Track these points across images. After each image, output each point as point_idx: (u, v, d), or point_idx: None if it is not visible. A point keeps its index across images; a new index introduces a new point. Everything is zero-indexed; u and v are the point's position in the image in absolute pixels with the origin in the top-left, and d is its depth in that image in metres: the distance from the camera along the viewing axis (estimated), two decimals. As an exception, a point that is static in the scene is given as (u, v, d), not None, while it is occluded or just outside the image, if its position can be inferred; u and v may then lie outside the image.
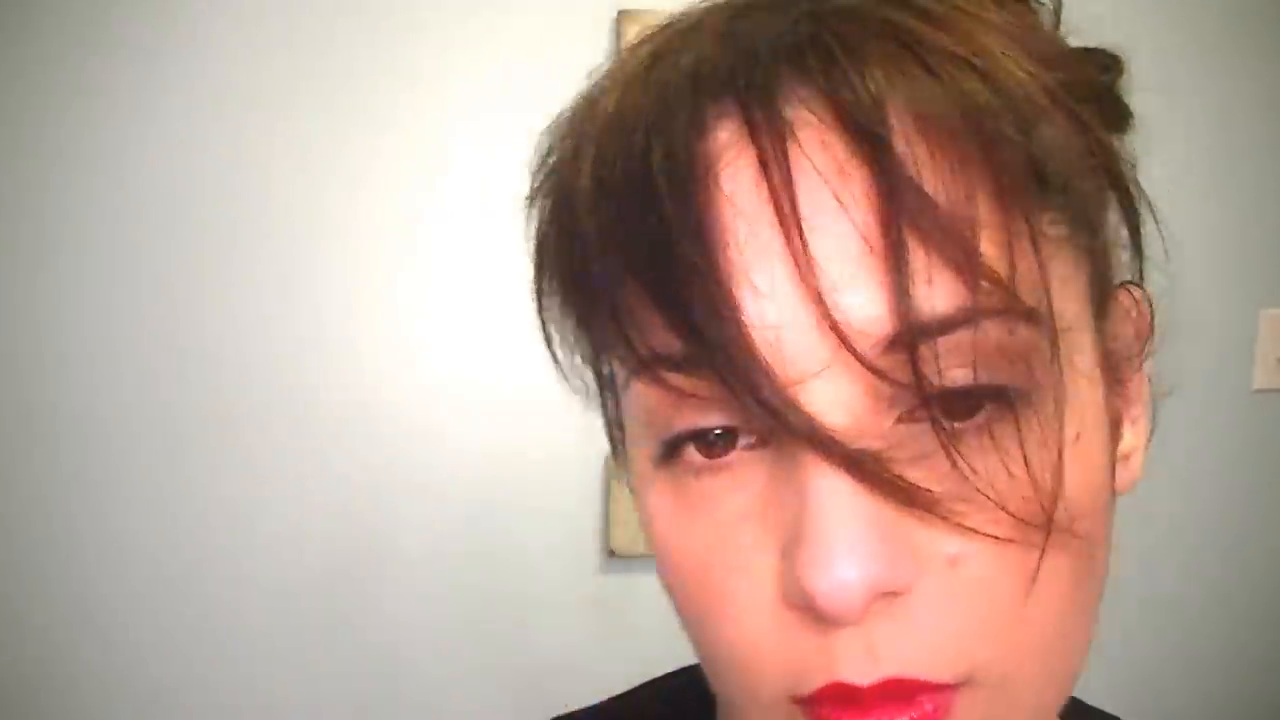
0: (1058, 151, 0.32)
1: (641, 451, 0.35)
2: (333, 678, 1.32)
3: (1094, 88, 0.38)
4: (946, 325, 0.29)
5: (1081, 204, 0.34)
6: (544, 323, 0.37)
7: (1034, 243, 0.31)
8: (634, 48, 0.35)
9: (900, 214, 0.29)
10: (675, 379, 0.31)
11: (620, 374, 0.34)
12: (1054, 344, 0.31)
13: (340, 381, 1.30)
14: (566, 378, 0.39)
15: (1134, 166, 0.38)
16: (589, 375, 0.39)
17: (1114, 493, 0.38)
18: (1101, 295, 0.36)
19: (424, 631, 1.34)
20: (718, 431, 0.32)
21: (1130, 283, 0.41)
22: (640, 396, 0.33)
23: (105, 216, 1.25)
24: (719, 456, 0.32)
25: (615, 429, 0.39)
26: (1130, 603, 1.49)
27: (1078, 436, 0.32)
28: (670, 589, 0.35)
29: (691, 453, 0.33)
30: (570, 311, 0.35)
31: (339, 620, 1.32)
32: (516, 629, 1.36)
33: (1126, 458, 0.41)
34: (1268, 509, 1.53)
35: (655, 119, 0.31)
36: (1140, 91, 1.43)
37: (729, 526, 0.32)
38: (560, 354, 0.38)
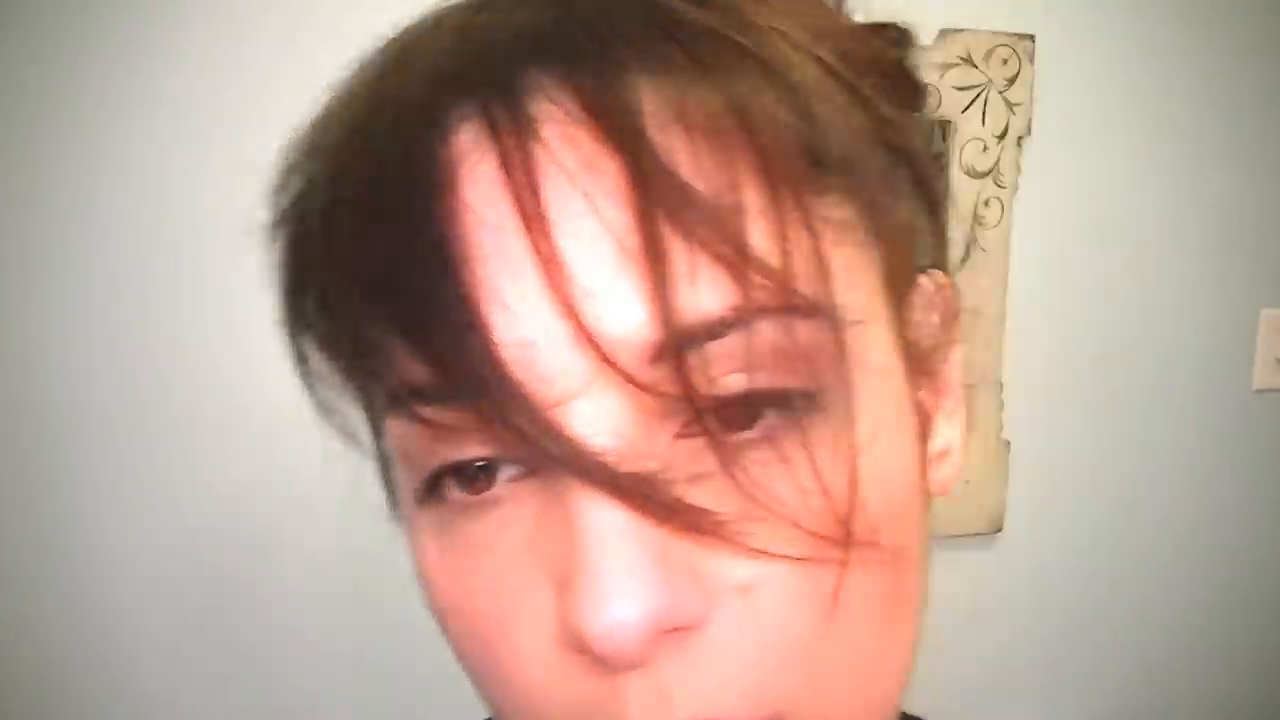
0: (835, 129, 0.29)
1: (406, 492, 0.32)
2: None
3: (880, 62, 0.34)
4: (716, 328, 0.27)
5: (867, 185, 0.31)
6: (298, 359, 0.33)
7: (810, 229, 0.28)
8: (372, 54, 0.32)
9: (656, 207, 0.26)
10: (428, 412, 0.28)
11: (375, 418, 0.32)
12: (838, 340, 0.28)
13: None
14: (328, 420, 0.34)
15: (930, 143, 0.36)
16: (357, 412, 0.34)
17: (927, 496, 0.35)
18: (899, 282, 0.33)
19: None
20: (479, 464, 0.29)
21: (933, 267, 0.37)
22: (396, 433, 0.30)
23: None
24: (482, 491, 0.29)
25: (386, 470, 0.35)
26: (1129, 603, 1.50)
27: (874, 438, 0.30)
28: (448, 640, 0.32)
29: (454, 490, 0.30)
30: (317, 345, 0.32)
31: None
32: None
33: (944, 455, 0.37)
34: (1268, 509, 1.53)
35: (391, 129, 0.28)
36: (1141, 92, 1.42)
37: (501, 568, 0.29)
38: (320, 392, 0.33)
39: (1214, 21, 1.41)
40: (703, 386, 0.27)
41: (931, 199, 0.36)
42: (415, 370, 0.28)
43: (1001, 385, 1.38)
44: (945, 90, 1.30)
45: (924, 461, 0.34)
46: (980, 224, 1.33)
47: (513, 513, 0.29)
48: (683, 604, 0.27)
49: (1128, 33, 1.39)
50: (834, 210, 0.30)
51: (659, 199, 0.26)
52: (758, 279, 0.27)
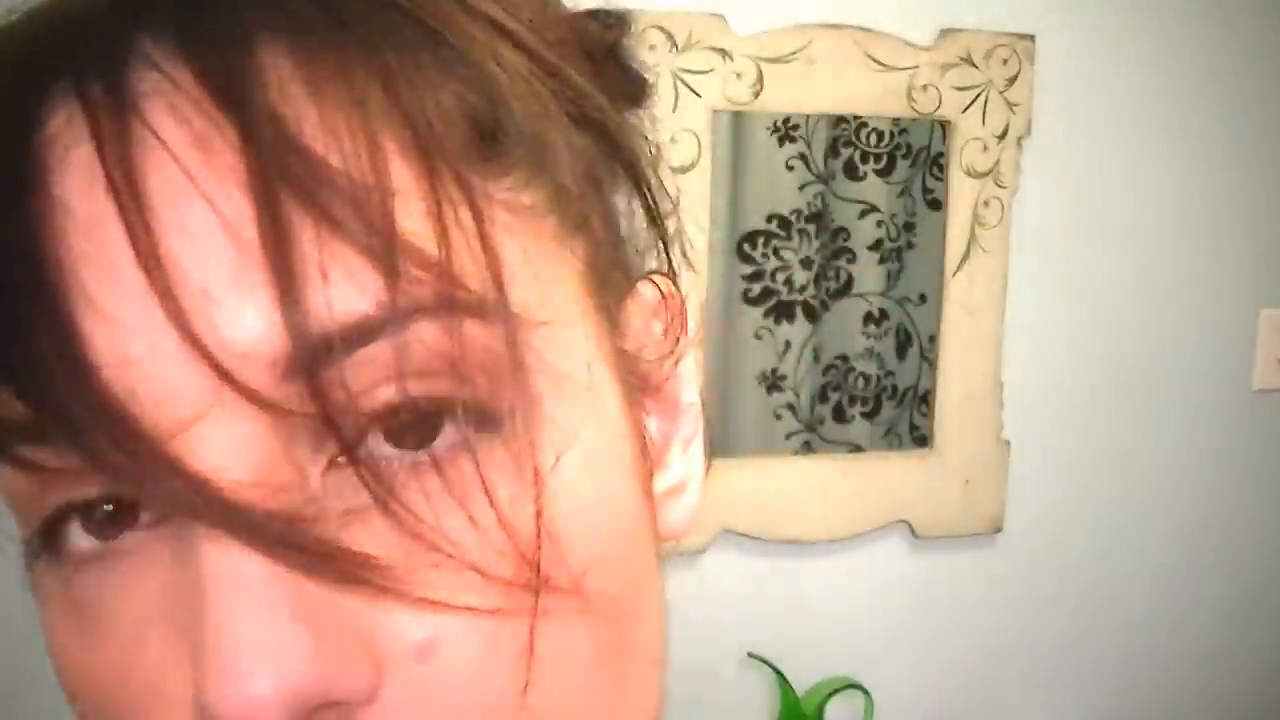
0: (513, 100, 0.26)
1: (28, 552, 0.26)
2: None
3: (584, 44, 0.30)
4: (359, 334, 0.22)
5: (557, 169, 0.27)
6: None
7: (475, 211, 0.24)
8: None
9: (280, 188, 0.22)
10: (27, 452, 0.23)
11: None
12: (515, 342, 0.24)
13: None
14: None
15: (647, 139, 0.32)
16: None
17: (656, 537, 0.30)
18: (608, 285, 0.29)
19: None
20: (106, 508, 0.24)
21: (657, 272, 0.33)
22: (4, 481, 0.24)
23: None
24: (111, 539, 0.24)
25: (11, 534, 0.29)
26: (1129, 603, 1.49)
27: (571, 464, 0.25)
28: None
29: (77, 536, 0.24)
30: None
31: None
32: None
33: (678, 490, 0.32)
34: (1268, 509, 1.53)
35: None
36: (1141, 92, 1.43)
37: (132, 636, 0.23)
38: None
39: (1214, 21, 1.41)
40: (342, 403, 0.22)
41: (647, 201, 0.32)
42: (7, 401, 0.22)
43: (1001, 385, 1.38)
44: (945, 90, 1.30)
45: (649, 496, 0.29)
46: (980, 224, 1.34)
47: (141, 569, 0.23)
48: (341, 674, 0.22)
49: (1127, 32, 1.39)
50: (514, 194, 0.26)
51: (283, 179, 0.22)
52: (411, 270, 0.22)
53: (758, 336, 1.32)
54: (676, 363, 0.32)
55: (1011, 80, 1.32)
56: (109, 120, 0.22)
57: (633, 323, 0.31)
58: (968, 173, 1.32)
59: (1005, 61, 1.32)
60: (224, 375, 0.22)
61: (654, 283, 0.32)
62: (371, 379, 0.22)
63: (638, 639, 0.27)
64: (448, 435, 0.24)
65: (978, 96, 1.31)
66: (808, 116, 1.29)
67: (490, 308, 0.24)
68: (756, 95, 1.26)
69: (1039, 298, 1.38)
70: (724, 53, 1.24)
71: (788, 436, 1.34)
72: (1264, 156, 1.46)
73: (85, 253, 0.22)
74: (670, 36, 1.22)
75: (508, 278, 0.24)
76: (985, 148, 1.32)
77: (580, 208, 0.28)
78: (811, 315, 1.33)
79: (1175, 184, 1.43)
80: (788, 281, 1.31)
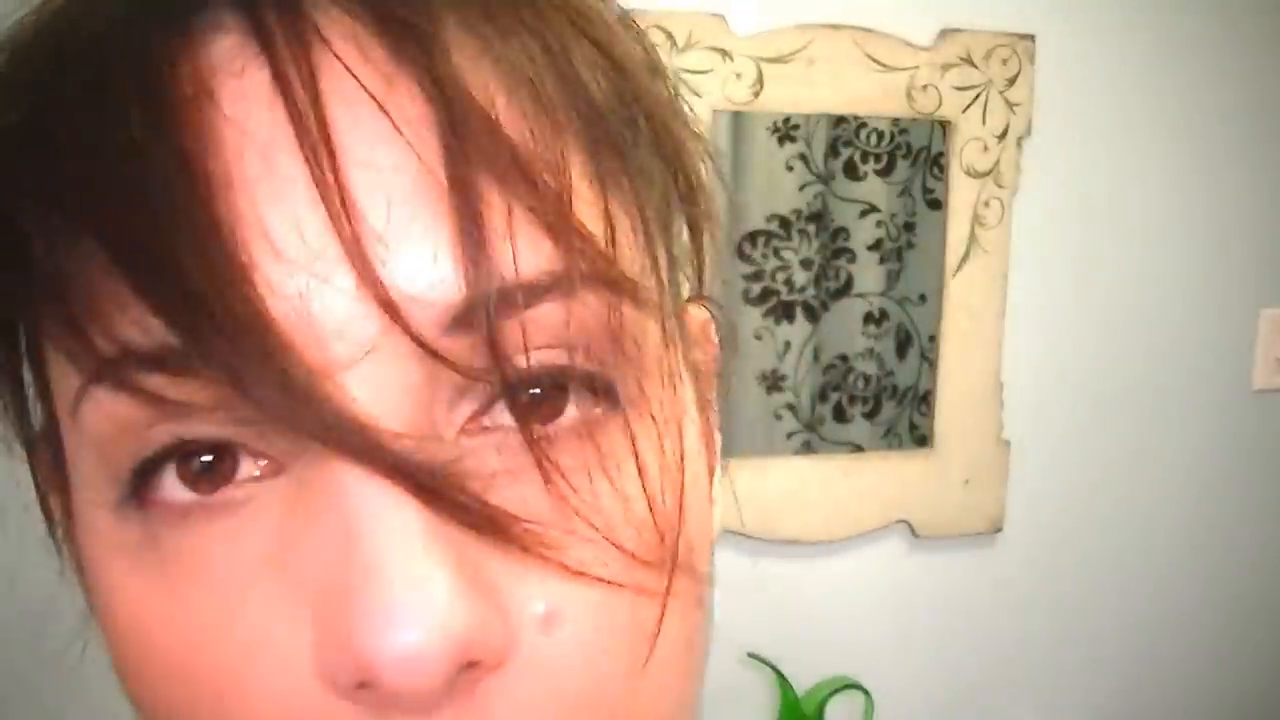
0: (644, 102, 0.26)
1: (94, 502, 0.24)
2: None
3: (649, 60, 0.30)
4: (533, 293, 0.22)
5: (661, 177, 0.27)
6: None
7: (638, 205, 0.24)
8: None
9: (468, 145, 0.21)
10: (155, 381, 0.21)
11: (67, 389, 0.23)
12: (666, 329, 0.24)
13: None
14: None
15: (701, 160, 0.33)
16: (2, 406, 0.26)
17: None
18: (676, 298, 0.29)
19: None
20: (207, 457, 0.22)
21: (698, 297, 0.33)
22: (99, 415, 0.22)
23: None
24: (212, 491, 0.22)
25: (50, 481, 0.27)
26: (1129, 603, 1.49)
27: (682, 455, 0.25)
28: (145, 696, 0.24)
29: (172, 487, 0.23)
30: None
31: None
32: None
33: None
34: (1267, 509, 1.53)
35: (126, 26, 0.22)
36: (1141, 92, 1.43)
37: (231, 592, 0.22)
38: None
39: (1214, 21, 1.41)
40: (517, 358, 0.22)
41: (698, 224, 0.32)
42: (145, 327, 0.21)
43: (1001, 385, 1.38)
44: (945, 90, 1.30)
45: (711, 496, 0.30)
46: (980, 224, 1.33)
47: (249, 520, 0.22)
48: (487, 634, 0.21)
49: (1127, 32, 1.39)
50: (638, 195, 0.26)
51: (470, 136, 0.22)
52: (582, 246, 0.22)
53: (758, 336, 1.32)
54: (714, 392, 0.33)
55: (1011, 80, 1.32)
56: (290, 48, 0.22)
57: (690, 341, 0.31)
58: (968, 173, 1.32)
59: (1005, 61, 1.31)
60: (395, 317, 0.21)
61: (695, 308, 0.33)
62: (536, 340, 0.22)
63: (705, 631, 0.28)
64: (588, 407, 0.23)
65: (978, 96, 1.31)
66: (808, 116, 1.29)
67: (645, 294, 0.24)
68: (756, 95, 1.26)
69: (1039, 297, 1.38)
70: (724, 53, 1.24)
71: (788, 436, 1.34)
72: (1264, 156, 1.46)
73: (259, 176, 0.21)
74: (670, 36, 1.22)
75: (657, 271, 0.25)
76: (985, 148, 1.32)
77: (667, 218, 0.28)
78: (811, 315, 1.33)
79: (1175, 184, 1.43)
80: (788, 281, 1.31)
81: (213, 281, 0.20)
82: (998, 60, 1.31)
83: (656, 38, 1.21)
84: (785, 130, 1.29)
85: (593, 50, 0.25)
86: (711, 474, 0.30)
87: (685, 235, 0.32)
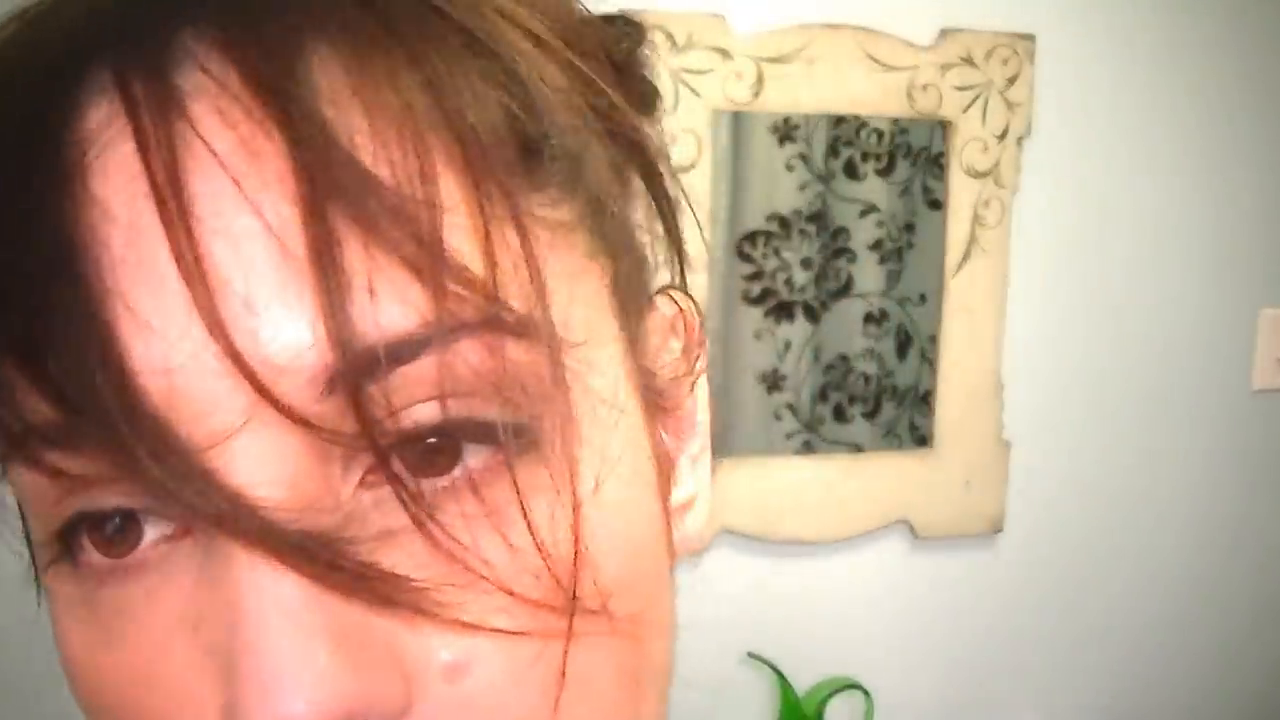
0: (552, 112, 0.25)
1: (39, 552, 0.25)
2: None
3: (610, 53, 0.30)
4: (403, 350, 0.22)
5: (590, 181, 0.27)
6: None
7: (521, 228, 0.23)
8: (19, 13, 0.25)
9: (327, 200, 0.21)
10: (53, 457, 0.22)
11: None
12: (555, 363, 0.24)
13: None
14: None
15: (664, 150, 0.31)
16: None
17: (671, 554, 0.30)
18: (632, 301, 0.29)
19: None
20: (116, 521, 0.23)
21: (671, 287, 0.32)
22: (20, 484, 0.24)
23: None
24: (124, 555, 0.23)
25: (23, 522, 0.28)
26: (1129, 603, 1.49)
27: (603, 485, 0.25)
28: None
29: (90, 552, 0.24)
30: None
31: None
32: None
33: (687, 506, 0.32)
34: (1268, 509, 1.53)
35: (11, 102, 0.23)
36: (1141, 91, 1.42)
37: (153, 650, 0.23)
38: None
39: (1214, 21, 1.41)
40: (386, 421, 0.22)
41: (666, 210, 0.31)
42: (35, 405, 0.22)
43: (1001, 385, 1.38)
44: (945, 90, 1.30)
45: (666, 513, 0.29)
46: (980, 224, 1.33)
47: (163, 582, 0.23)
48: (375, 694, 0.22)
49: (1128, 32, 1.39)
50: (551, 210, 0.25)
51: (332, 189, 0.21)
52: (456, 288, 0.22)
53: (758, 336, 1.32)
54: (694, 384, 0.32)
55: (1011, 80, 1.32)
56: (153, 120, 0.22)
57: (651, 339, 0.30)
58: (968, 173, 1.32)
59: (1005, 61, 1.31)
60: (262, 391, 0.21)
61: (670, 298, 0.32)
62: (409, 396, 0.22)
63: (653, 654, 0.27)
64: (482, 456, 0.23)
65: (978, 96, 1.31)
66: (808, 116, 1.29)
67: (533, 328, 0.23)
68: (756, 95, 1.26)
69: (1039, 297, 1.38)
70: (724, 53, 1.24)
71: (788, 436, 1.34)
72: (1264, 156, 1.46)
73: (125, 258, 0.22)
74: (670, 36, 1.22)
75: (549, 297, 0.24)
76: (985, 148, 1.32)
77: (609, 222, 0.27)
78: (811, 315, 1.33)
79: (1175, 184, 1.43)
80: (788, 281, 1.31)
81: (85, 361, 0.21)
82: (998, 60, 1.31)
83: (656, 38, 1.21)
84: (785, 130, 1.29)
85: (491, 68, 0.24)
86: (664, 481, 0.29)
87: (659, 227, 0.32)
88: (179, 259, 0.21)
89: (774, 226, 1.30)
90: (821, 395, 1.34)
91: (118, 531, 0.23)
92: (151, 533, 0.23)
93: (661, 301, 0.32)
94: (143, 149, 0.22)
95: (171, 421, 0.21)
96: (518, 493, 0.23)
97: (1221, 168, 1.45)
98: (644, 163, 0.30)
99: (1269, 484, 1.52)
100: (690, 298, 0.33)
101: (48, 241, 0.22)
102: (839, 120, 1.30)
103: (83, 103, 0.22)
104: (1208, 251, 1.46)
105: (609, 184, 0.28)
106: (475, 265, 0.22)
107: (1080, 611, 1.48)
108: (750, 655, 1.30)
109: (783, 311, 1.32)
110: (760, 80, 1.26)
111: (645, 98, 0.32)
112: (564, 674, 0.24)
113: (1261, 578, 1.54)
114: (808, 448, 1.34)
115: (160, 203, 0.21)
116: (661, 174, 0.31)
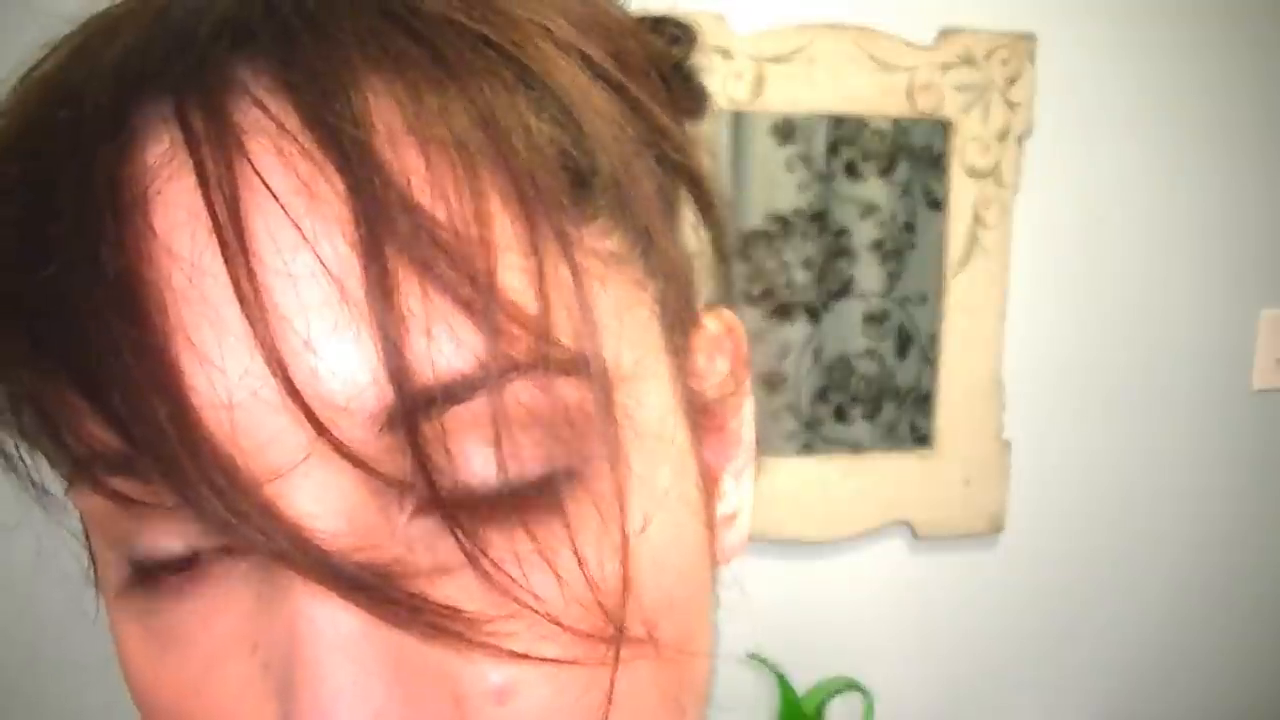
0: (603, 143, 0.25)
1: (106, 566, 0.26)
2: None
3: (656, 62, 0.30)
4: (458, 390, 0.22)
5: (640, 210, 0.27)
6: None
7: (573, 266, 0.24)
8: (65, 39, 0.26)
9: (385, 241, 0.22)
10: (117, 483, 0.23)
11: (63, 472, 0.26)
12: (606, 400, 0.24)
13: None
14: (12, 472, 0.27)
15: (712, 159, 0.31)
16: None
17: (714, 566, 0.30)
18: (679, 325, 0.29)
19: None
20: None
21: (717, 304, 0.33)
22: (85, 505, 0.25)
23: None
24: (184, 571, 0.24)
25: (86, 533, 0.29)
26: (1129, 603, 1.49)
27: (649, 517, 0.26)
28: None
29: (160, 570, 0.25)
30: None
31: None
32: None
33: (731, 519, 0.33)
34: (1268, 509, 1.53)
35: (67, 133, 0.23)
36: (1141, 92, 1.42)
37: (210, 665, 0.24)
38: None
39: (1214, 21, 1.41)
40: (441, 460, 0.22)
41: (715, 224, 0.31)
42: (100, 435, 0.23)
43: (1001, 385, 1.38)
44: (945, 90, 1.30)
45: (711, 530, 0.30)
46: (980, 224, 1.33)
47: (222, 600, 0.24)
48: (428, 719, 0.23)
49: (1128, 32, 1.39)
50: (601, 241, 0.26)
51: (390, 232, 0.22)
52: (510, 328, 0.22)
53: (758, 337, 1.32)
54: (741, 404, 0.32)
55: (1012, 80, 1.32)
56: (214, 157, 0.22)
57: (698, 359, 0.30)
58: (968, 173, 1.32)
59: (1005, 61, 1.31)
60: (320, 429, 0.22)
61: (717, 316, 0.32)
62: (464, 433, 0.22)
63: (694, 675, 0.28)
64: (527, 492, 0.24)
65: (978, 96, 1.31)
66: (808, 116, 1.29)
67: (584, 366, 0.24)
68: (756, 95, 1.26)
69: (1039, 298, 1.38)
70: (724, 52, 1.24)
71: (788, 436, 1.34)
72: (1265, 156, 1.46)
73: (187, 294, 0.22)
74: (670, 36, 1.22)
75: (600, 334, 0.24)
76: (985, 148, 1.32)
77: (658, 246, 0.27)
78: (811, 315, 1.33)
79: (1175, 184, 1.43)
80: (788, 281, 1.31)
81: (147, 395, 0.22)
82: (998, 60, 1.31)
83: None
84: (785, 130, 1.29)
85: (542, 99, 0.24)
86: (708, 500, 0.30)
87: (704, 242, 0.32)
88: (241, 299, 0.22)
89: (774, 226, 1.30)
90: (821, 395, 1.34)
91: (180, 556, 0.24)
92: (214, 552, 0.24)
93: (708, 319, 0.32)
94: (204, 186, 0.22)
95: (232, 456, 0.22)
96: (568, 528, 0.24)
97: (1222, 168, 1.45)
98: (692, 182, 0.30)
99: (1269, 484, 1.52)
100: (734, 313, 0.33)
101: (107, 272, 0.22)
102: (839, 120, 1.30)
103: (140, 135, 0.23)
104: (1208, 252, 1.46)
105: (657, 210, 0.28)
106: (529, 305, 0.23)
107: (1080, 611, 1.48)
108: (750, 655, 1.30)
109: (783, 312, 1.32)
110: (760, 80, 1.26)
111: (694, 102, 0.32)
112: (610, 700, 0.24)
113: (1261, 577, 1.54)
114: (808, 448, 1.34)
115: (222, 243, 0.22)
116: (709, 193, 0.31)
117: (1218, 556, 1.52)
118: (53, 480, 0.27)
